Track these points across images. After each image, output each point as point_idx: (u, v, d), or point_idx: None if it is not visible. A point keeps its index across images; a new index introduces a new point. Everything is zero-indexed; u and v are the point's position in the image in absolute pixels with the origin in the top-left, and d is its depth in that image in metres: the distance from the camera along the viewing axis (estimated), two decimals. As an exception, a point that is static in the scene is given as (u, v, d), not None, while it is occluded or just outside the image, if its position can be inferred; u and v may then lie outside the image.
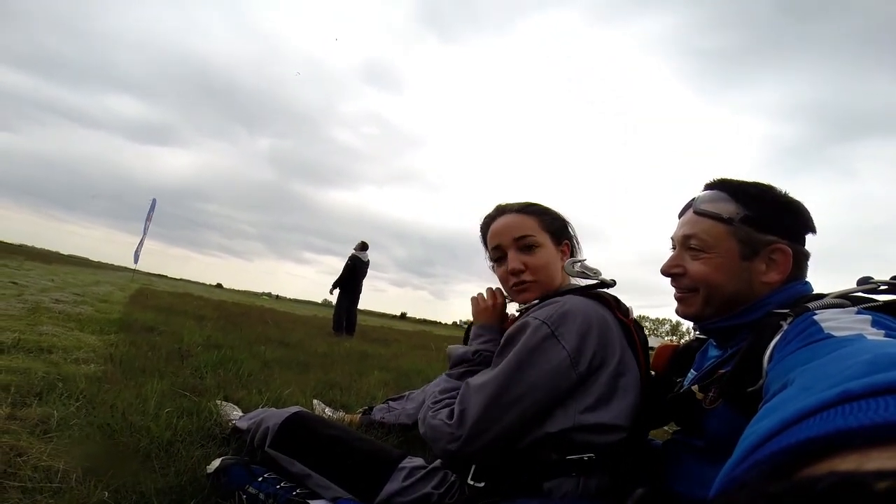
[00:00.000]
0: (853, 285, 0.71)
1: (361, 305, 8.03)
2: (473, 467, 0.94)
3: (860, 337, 0.49)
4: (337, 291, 7.61)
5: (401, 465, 1.06)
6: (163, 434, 1.43)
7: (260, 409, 1.54)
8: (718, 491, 0.25)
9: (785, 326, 0.66)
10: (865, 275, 0.72)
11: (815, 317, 0.60)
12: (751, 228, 0.84)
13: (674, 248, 0.94)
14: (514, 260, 1.04)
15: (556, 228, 1.09)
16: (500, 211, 1.12)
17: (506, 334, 0.94)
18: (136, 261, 16.19)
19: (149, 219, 16.57)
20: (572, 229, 1.15)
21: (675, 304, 0.96)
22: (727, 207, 0.86)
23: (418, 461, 1.07)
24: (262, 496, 1.13)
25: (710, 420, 0.79)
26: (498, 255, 1.10)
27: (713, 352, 0.95)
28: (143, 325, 4.04)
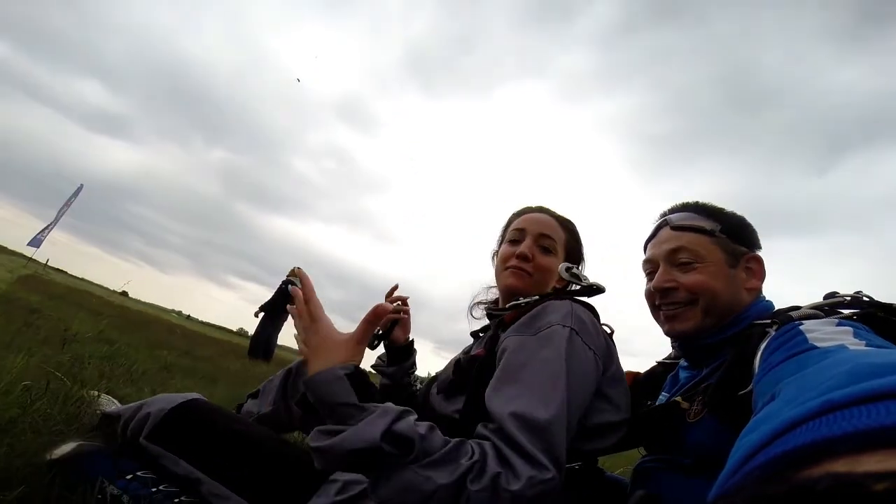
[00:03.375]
0: (819, 300, 0.74)
1: (280, 341, 7.39)
2: None
3: (842, 347, 0.49)
4: (262, 315, 6.96)
5: (333, 477, 0.84)
6: (7, 410, 1.09)
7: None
8: (713, 499, 0.25)
9: (772, 332, 0.66)
10: (831, 291, 0.76)
11: (801, 327, 0.60)
12: (728, 239, 0.88)
13: (651, 271, 0.92)
14: (528, 247, 1.02)
15: (574, 251, 1.08)
16: (543, 210, 1.10)
17: (529, 342, 0.78)
18: (36, 244, 14.31)
19: (67, 205, 14.91)
20: (584, 266, 1.12)
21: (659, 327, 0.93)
22: (704, 222, 0.89)
23: (352, 475, 0.85)
24: (125, 498, 0.85)
25: (694, 434, 0.76)
26: (515, 238, 1.06)
27: (685, 374, 0.93)
28: (27, 306, 3.44)
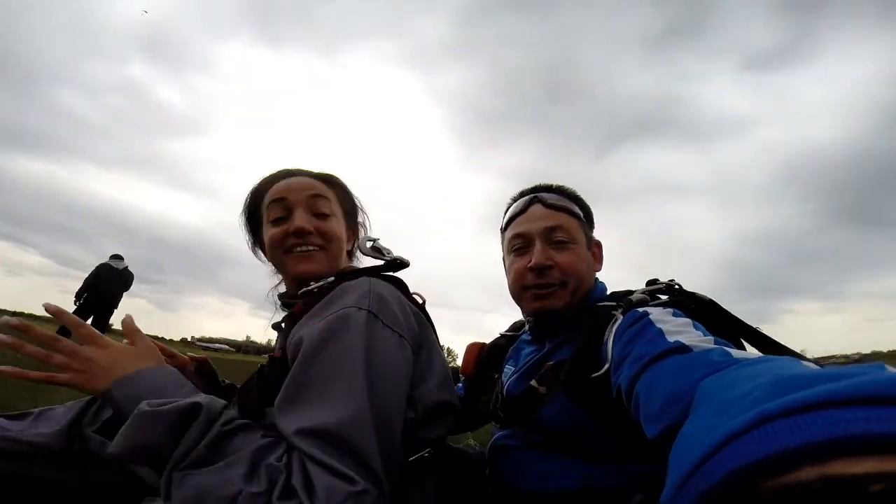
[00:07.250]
0: (643, 286, 0.80)
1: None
2: None
3: (725, 352, 0.47)
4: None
5: None
6: None
7: None
8: None
9: (618, 316, 0.68)
10: (652, 278, 0.82)
11: (650, 317, 0.63)
12: (587, 224, 0.94)
13: (522, 246, 0.90)
14: (302, 219, 0.84)
15: (350, 209, 0.96)
16: (290, 173, 0.91)
17: (316, 334, 0.66)
18: None
19: None
20: (364, 218, 1.02)
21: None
22: (573, 205, 0.92)
23: None
24: None
25: (546, 410, 0.77)
26: (279, 215, 0.86)
27: (528, 347, 0.96)
28: None
